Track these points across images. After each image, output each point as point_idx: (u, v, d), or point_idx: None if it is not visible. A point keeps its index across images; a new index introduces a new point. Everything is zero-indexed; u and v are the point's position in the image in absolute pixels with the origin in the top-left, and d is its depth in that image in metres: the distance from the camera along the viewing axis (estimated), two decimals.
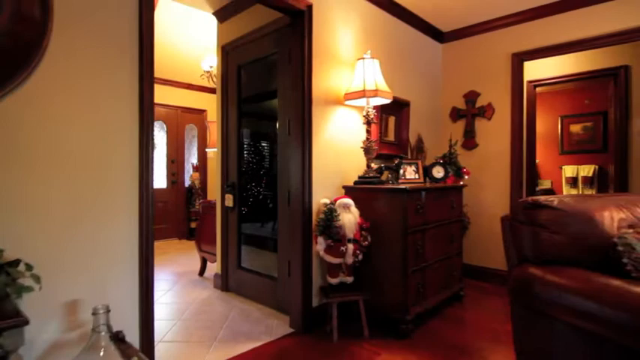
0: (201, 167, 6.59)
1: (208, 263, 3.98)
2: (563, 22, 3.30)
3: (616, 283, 1.37)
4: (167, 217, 6.20)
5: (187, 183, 6.42)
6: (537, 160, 6.57)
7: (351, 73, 2.84)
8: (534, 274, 1.61)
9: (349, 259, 2.47)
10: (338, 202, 2.50)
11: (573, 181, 5.99)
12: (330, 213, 2.39)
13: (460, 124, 3.96)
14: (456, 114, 3.98)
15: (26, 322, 1.08)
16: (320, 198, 2.63)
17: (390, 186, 2.65)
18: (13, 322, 1.05)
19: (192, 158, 6.62)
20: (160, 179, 6.18)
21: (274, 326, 2.67)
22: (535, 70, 4.43)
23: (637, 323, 1.22)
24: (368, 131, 2.75)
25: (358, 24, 3.04)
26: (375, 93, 2.58)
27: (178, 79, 6.12)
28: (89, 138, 1.62)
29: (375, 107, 2.91)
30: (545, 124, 6.37)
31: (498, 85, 3.69)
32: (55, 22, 1.53)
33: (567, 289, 1.46)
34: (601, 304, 1.33)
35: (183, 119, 6.42)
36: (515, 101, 3.62)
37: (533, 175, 4.80)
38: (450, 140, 3.68)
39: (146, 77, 1.78)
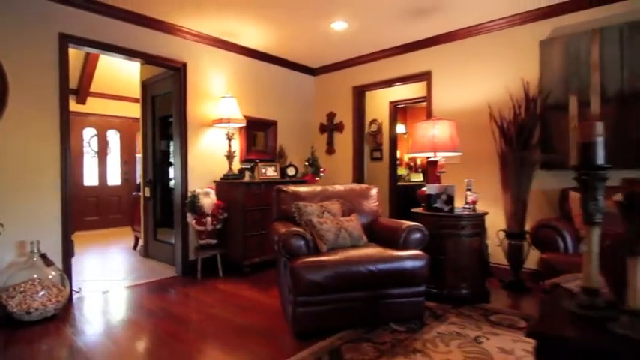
0: None
1: (139, 240, 5.34)
2: (383, 66, 4.76)
3: (288, 224, 2.81)
4: (121, 208, 7.54)
5: (138, 181, 7.74)
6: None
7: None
8: (271, 224, 3.05)
9: (209, 227, 3.88)
10: (203, 190, 3.91)
11: None
12: (194, 197, 3.81)
13: (325, 136, 5.41)
14: (322, 128, 5.44)
15: None
16: (196, 189, 4.03)
17: (238, 181, 4.07)
18: None
19: None
20: (114, 177, 7.51)
21: (166, 273, 4.07)
22: (399, 93, 5.92)
23: (277, 241, 2.63)
24: (229, 145, 4.16)
25: (230, 70, 4.45)
26: (229, 120, 4.00)
27: (129, 95, 7.42)
28: (30, 148, 2.99)
29: (241, 128, 4.34)
30: None
31: (346, 108, 5.15)
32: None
33: (274, 228, 2.89)
34: (273, 233, 2.75)
35: (134, 128, 7.72)
36: (356, 121, 5.07)
37: (395, 169, 6.30)
38: (312, 148, 5.14)
39: (64, 108, 3.14)
